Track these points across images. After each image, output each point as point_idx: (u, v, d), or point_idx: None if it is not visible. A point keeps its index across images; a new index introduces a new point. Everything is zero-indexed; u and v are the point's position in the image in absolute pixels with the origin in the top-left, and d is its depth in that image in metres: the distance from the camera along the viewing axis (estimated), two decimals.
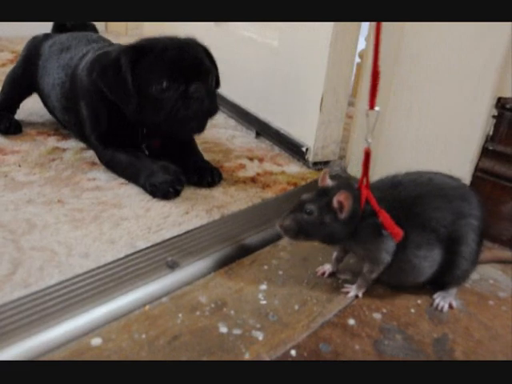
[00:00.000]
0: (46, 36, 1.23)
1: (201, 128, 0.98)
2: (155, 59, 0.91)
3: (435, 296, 0.73)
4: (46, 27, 1.30)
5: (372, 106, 0.65)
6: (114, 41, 1.21)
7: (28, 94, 1.24)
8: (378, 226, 0.65)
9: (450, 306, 0.72)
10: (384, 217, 0.65)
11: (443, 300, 0.72)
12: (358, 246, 0.69)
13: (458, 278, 0.72)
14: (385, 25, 0.94)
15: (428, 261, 0.68)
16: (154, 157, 1.00)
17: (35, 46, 1.20)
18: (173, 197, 0.92)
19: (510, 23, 0.81)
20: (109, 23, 2.59)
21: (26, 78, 1.20)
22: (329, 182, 0.69)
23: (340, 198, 0.64)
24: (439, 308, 0.72)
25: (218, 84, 1.02)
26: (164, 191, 0.91)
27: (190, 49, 0.95)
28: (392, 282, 0.75)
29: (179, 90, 0.91)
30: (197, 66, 0.93)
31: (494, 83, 0.85)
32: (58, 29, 1.26)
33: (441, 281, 0.72)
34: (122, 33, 2.51)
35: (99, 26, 2.50)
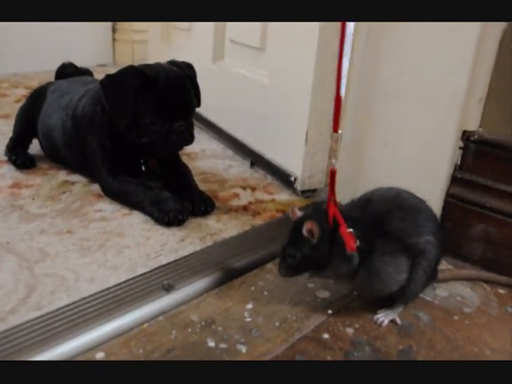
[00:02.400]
0: (50, 83, 1.36)
1: (176, 152, 1.19)
2: (153, 96, 1.05)
3: (379, 311, 0.81)
4: (57, 62, 1.42)
5: (335, 130, 0.73)
6: None
7: (33, 134, 1.34)
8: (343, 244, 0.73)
9: (395, 322, 0.80)
10: (343, 230, 0.72)
11: (385, 316, 0.80)
12: (330, 266, 0.76)
13: (410, 294, 0.78)
14: (360, 67, 1.05)
15: (392, 266, 0.74)
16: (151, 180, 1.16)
17: (40, 91, 1.33)
18: (176, 224, 1.02)
19: (469, 66, 0.91)
20: (116, 57, 2.74)
21: (32, 118, 1.31)
22: (298, 214, 0.78)
23: (307, 227, 0.72)
24: (378, 322, 0.79)
25: (199, 104, 1.18)
26: (173, 217, 1.01)
27: (182, 89, 1.08)
28: (362, 293, 0.84)
29: (164, 127, 1.06)
30: (184, 107, 1.09)
31: (459, 118, 0.95)
32: (59, 76, 1.39)
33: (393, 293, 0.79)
34: None
35: (107, 59, 2.67)
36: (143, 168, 1.16)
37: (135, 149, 1.12)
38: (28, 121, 1.32)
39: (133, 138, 1.09)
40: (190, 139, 1.11)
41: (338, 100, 0.71)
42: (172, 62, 1.13)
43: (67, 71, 1.38)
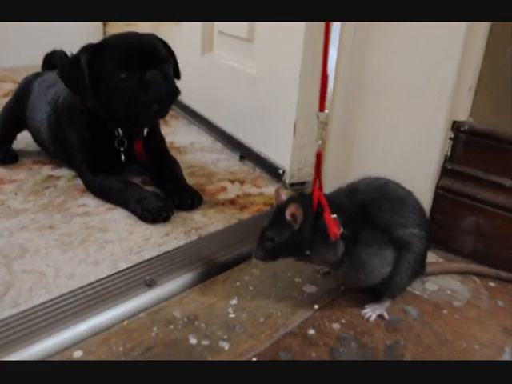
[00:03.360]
0: (36, 75, 1.33)
1: (163, 112, 1.06)
2: (111, 53, 1.01)
3: (366, 306, 0.79)
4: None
5: (322, 109, 0.71)
6: None
7: (21, 128, 1.32)
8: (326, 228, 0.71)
9: (382, 317, 0.78)
10: (327, 216, 0.70)
11: (372, 311, 0.78)
12: (313, 252, 0.74)
13: (396, 287, 0.77)
14: (348, 59, 1.03)
15: (378, 258, 0.73)
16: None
17: (26, 85, 1.30)
18: (161, 221, 0.99)
19: (458, 54, 0.89)
20: None
21: (17, 113, 1.29)
22: (283, 198, 0.76)
23: (291, 211, 0.70)
24: (365, 317, 0.77)
25: (177, 75, 1.12)
26: (157, 215, 0.99)
27: (145, 39, 1.04)
28: (346, 282, 0.82)
29: (135, 78, 0.99)
30: (151, 54, 1.02)
31: (449, 109, 0.93)
32: (47, 67, 1.36)
33: (379, 287, 0.78)
34: None
35: None
36: (123, 158, 1.12)
37: (115, 133, 1.09)
38: (13, 118, 1.30)
39: (114, 109, 1.03)
40: (172, 89, 1.03)
41: (324, 78, 0.68)
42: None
43: (55, 59, 1.33)
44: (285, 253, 0.75)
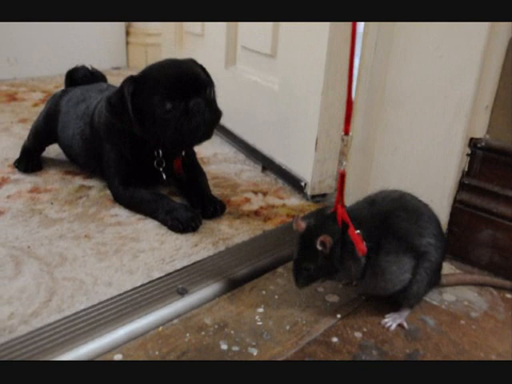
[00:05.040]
0: (63, 92, 1.37)
1: (207, 135, 1.08)
2: (154, 84, 1.03)
3: (387, 316, 0.83)
4: (73, 66, 1.43)
5: (347, 132, 0.75)
6: None
7: (49, 143, 1.39)
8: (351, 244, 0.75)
9: (402, 326, 0.82)
10: (352, 232, 0.75)
11: (393, 320, 0.82)
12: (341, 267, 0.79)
13: (413, 295, 0.81)
14: (369, 75, 1.07)
15: (396, 266, 0.77)
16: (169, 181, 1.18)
17: (55, 103, 1.34)
18: (190, 231, 1.05)
19: (476, 74, 0.93)
20: (130, 60, 2.79)
21: (47, 131, 1.34)
22: (303, 225, 0.79)
23: (322, 241, 0.74)
24: (386, 326, 0.81)
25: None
26: (187, 225, 1.04)
27: (185, 66, 1.07)
28: (368, 291, 0.86)
29: (180, 108, 1.02)
30: (193, 81, 1.04)
31: (466, 126, 0.96)
32: (70, 83, 1.40)
33: (398, 296, 0.82)
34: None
35: (121, 61, 2.72)
36: (164, 176, 1.16)
37: (155, 154, 1.13)
38: (44, 133, 1.35)
39: (159, 137, 1.06)
40: (215, 115, 1.06)
41: (349, 102, 0.72)
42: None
43: (79, 75, 1.39)
44: (322, 275, 0.79)
